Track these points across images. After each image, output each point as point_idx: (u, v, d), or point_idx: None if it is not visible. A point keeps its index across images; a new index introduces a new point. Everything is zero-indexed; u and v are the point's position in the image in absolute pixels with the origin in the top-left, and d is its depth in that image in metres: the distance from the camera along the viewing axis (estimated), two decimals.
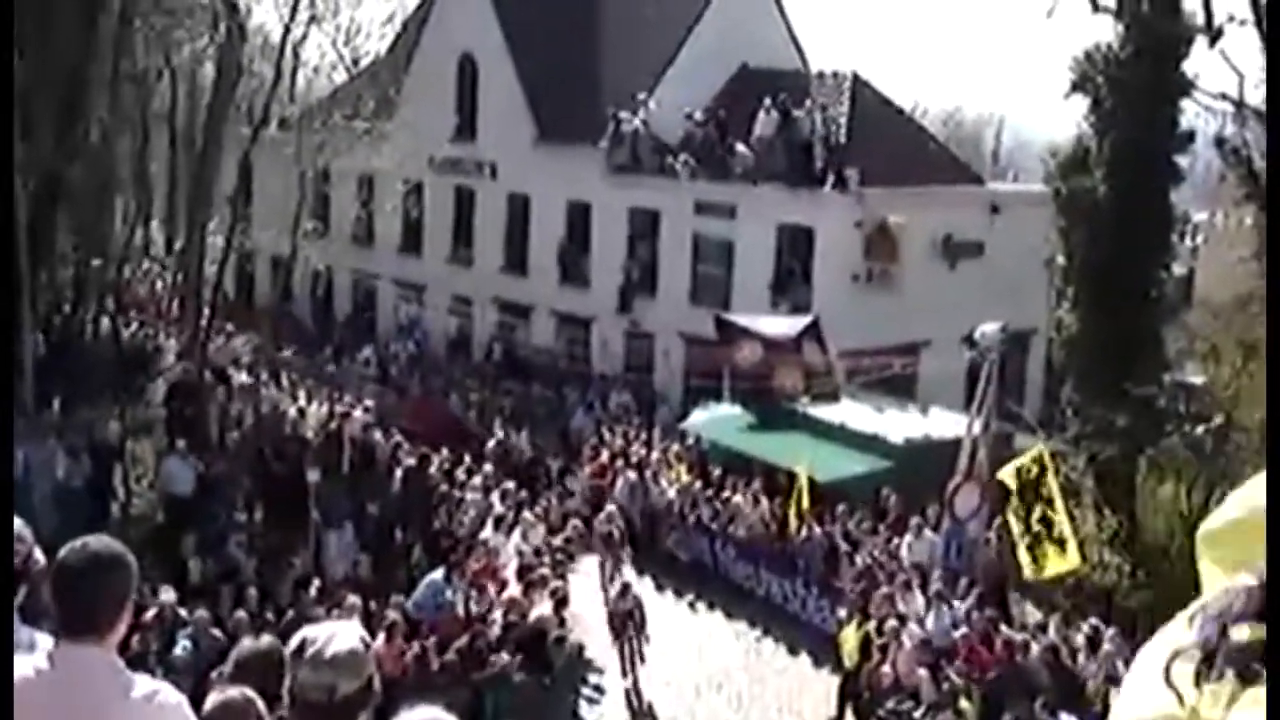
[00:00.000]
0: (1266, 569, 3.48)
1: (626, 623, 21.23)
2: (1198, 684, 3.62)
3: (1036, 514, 19.84)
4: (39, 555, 4.45)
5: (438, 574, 20.11)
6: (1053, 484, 19.81)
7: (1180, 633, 4.13)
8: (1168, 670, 3.66)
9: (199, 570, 20.96)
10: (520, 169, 39.32)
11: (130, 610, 4.15)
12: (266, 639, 5.86)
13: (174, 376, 29.40)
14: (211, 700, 4.83)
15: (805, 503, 23.52)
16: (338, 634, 3.90)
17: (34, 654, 4.05)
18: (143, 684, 4.05)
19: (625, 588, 21.81)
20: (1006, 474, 20.43)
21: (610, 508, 24.67)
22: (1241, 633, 3.61)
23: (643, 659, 21.18)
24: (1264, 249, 25.30)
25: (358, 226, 44.49)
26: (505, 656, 17.74)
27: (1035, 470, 19.90)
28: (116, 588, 4.04)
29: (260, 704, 4.45)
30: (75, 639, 3.95)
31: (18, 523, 4.54)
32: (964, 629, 19.47)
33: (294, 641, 3.91)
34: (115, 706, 3.96)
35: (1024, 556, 20.14)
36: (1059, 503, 19.78)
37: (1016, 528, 20.22)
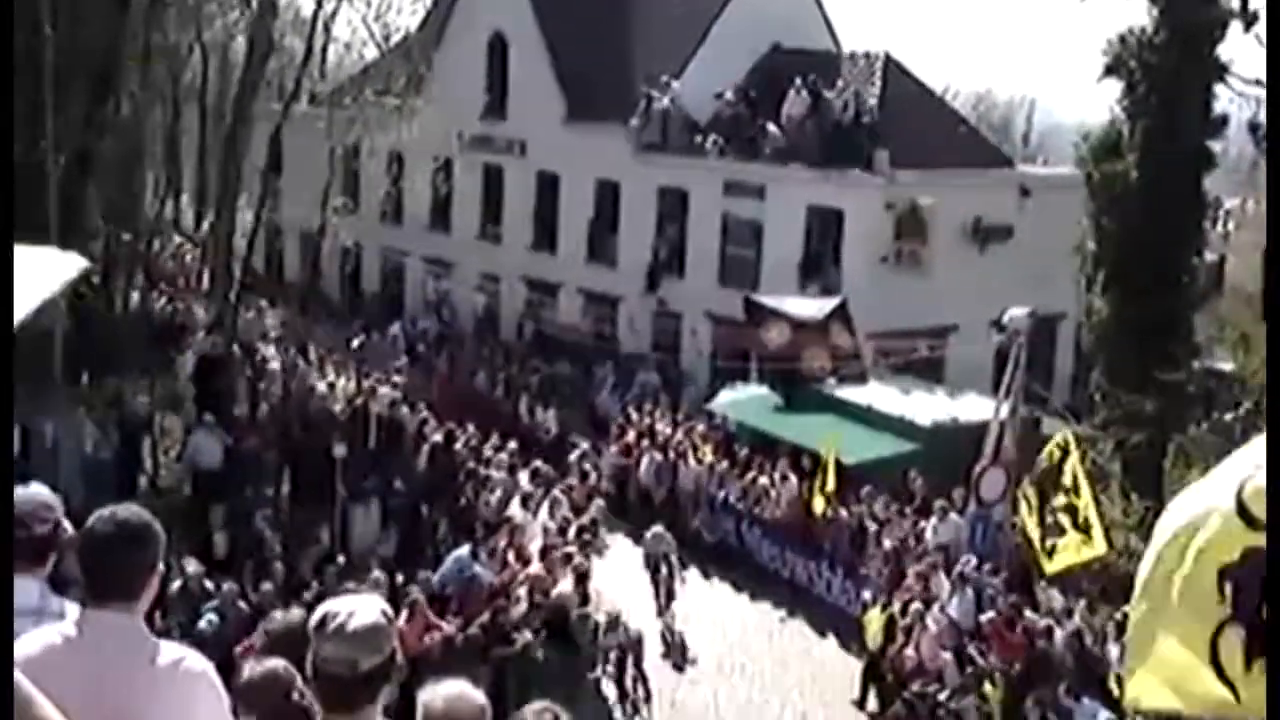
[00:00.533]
0: (1267, 569, 3.52)
1: (660, 565, 22.49)
2: (1248, 666, 3.67)
3: (1058, 502, 19.62)
4: (67, 525, 4.48)
5: (464, 550, 20.17)
6: (1078, 469, 19.61)
7: (1209, 591, 4.10)
8: (1214, 645, 3.71)
9: (225, 543, 21.08)
10: (549, 147, 39.27)
11: (157, 579, 4.18)
12: (297, 612, 5.87)
13: (203, 350, 29.52)
14: (250, 668, 4.84)
15: (831, 484, 23.50)
16: (359, 608, 3.91)
17: (62, 621, 4.08)
18: (169, 650, 4.08)
19: (657, 536, 22.94)
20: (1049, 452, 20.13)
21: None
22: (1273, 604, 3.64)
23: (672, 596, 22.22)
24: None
25: (387, 203, 44.50)
26: (528, 633, 17.76)
27: (1058, 455, 19.71)
28: (144, 556, 4.08)
29: (298, 676, 4.48)
30: (102, 606, 4.00)
31: (46, 493, 4.58)
32: (989, 613, 19.43)
33: (316, 615, 3.92)
34: (142, 673, 3.98)
35: (1039, 551, 19.91)
36: (1085, 488, 19.60)
37: (1030, 521, 20.00)
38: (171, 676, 4.02)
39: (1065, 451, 19.68)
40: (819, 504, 23.83)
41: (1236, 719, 3.65)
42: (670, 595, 23.01)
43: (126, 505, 4.17)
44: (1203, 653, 3.74)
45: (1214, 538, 3.76)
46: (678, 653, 21.35)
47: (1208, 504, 3.85)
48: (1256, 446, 3.90)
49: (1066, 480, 19.49)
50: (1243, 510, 3.70)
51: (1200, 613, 3.73)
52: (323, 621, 3.87)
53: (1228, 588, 3.70)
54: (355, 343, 34.71)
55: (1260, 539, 3.71)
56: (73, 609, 4.23)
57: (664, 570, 23.21)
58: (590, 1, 39.24)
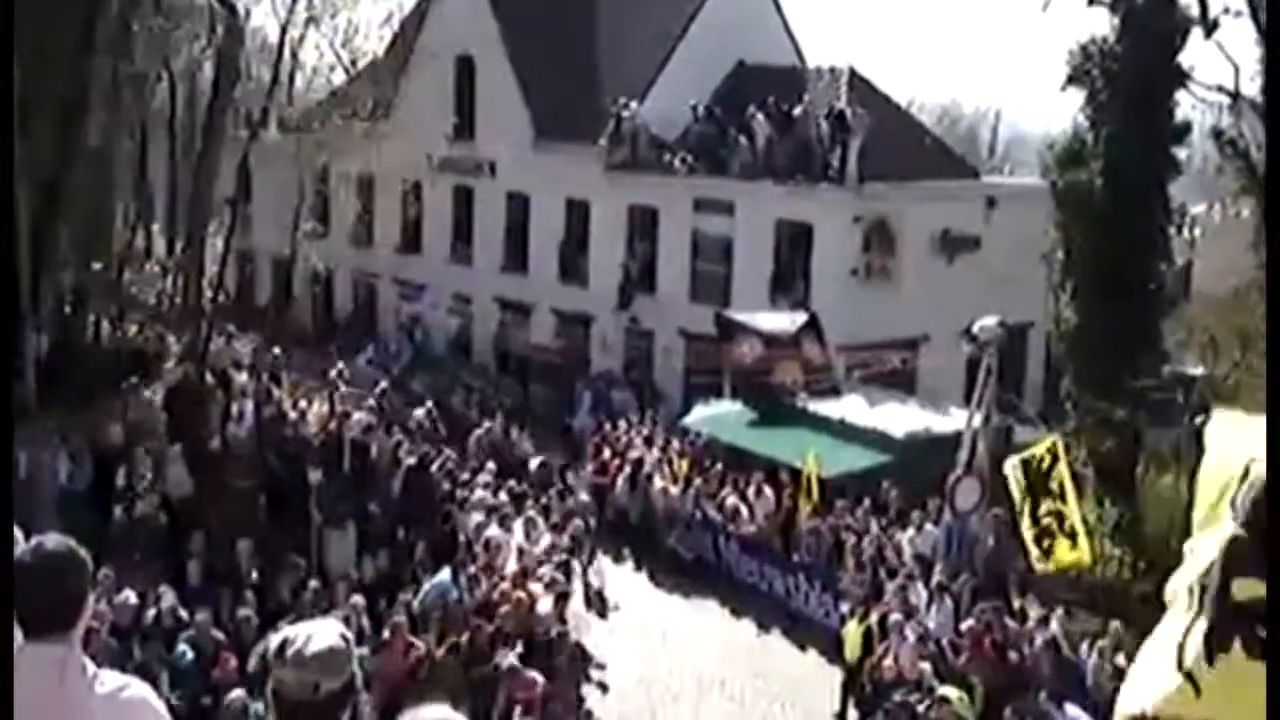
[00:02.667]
0: (1267, 569, 3.48)
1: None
2: (1211, 660, 3.63)
3: (1045, 508, 19.74)
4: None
5: (444, 574, 20.18)
6: (1065, 475, 19.71)
7: (1181, 609, 4.03)
8: (1181, 649, 3.66)
9: (200, 571, 21.03)
10: (519, 168, 39.37)
11: (91, 604, 4.18)
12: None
13: (175, 378, 29.43)
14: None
15: (814, 496, 23.62)
16: (318, 632, 3.91)
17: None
18: (110, 679, 4.08)
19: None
20: (1013, 466, 20.30)
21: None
22: (1243, 590, 3.62)
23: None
24: (1261, 241, 25.34)
25: (357, 226, 44.56)
26: (508, 653, 17.78)
27: (1048, 460, 19.81)
28: (74, 584, 4.08)
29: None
30: (39, 638, 3.98)
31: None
32: (966, 622, 19.52)
33: (274, 641, 3.93)
34: (82, 703, 3.98)
35: (1033, 548, 20.04)
36: (1071, 495, 19.70)
37: (1024, 521, 20.12)
38: (113, 704, 4.02)
39: (1055, 457, 19.76)
40: (804, 514, 23.92)
41: None
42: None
43: (52, 535, 4.16)
44: (1172, 655, 3.71)
45: (1209, 542, 3.76)
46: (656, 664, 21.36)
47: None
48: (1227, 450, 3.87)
49: (1054, 486, 19.60)
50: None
51: (1177, 613, 3.75)
52: (282, 646, 3.88)
53: (1196, 587, 3.71)
54: (334, 372, 34.59)
55: (1226, 528, 3.69)
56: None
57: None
58: (556, 22, 39.37)
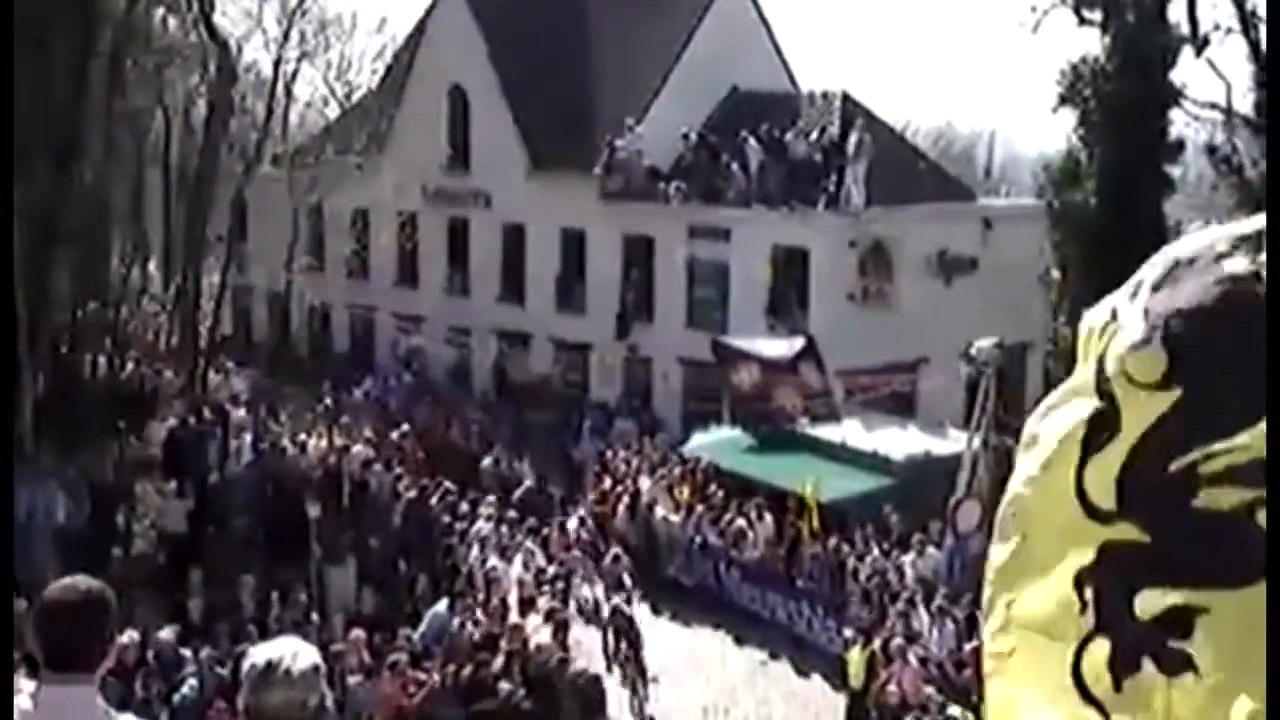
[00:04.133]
0: (1267, 569, 3.28)
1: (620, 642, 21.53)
2: (1118, 686, 3.30)
3: None
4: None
5: (442, 606, 20.10)
6: None
7: (1059, 594, 3.66)
8: (1077, 670, 3.33)
9: (200, 609, 20.95)
10: (514, 198, 39.38)
11: (114, 648, 4.16)
12: None
13: (173, 415, 29.43)
14: None
15: (815, 522, 23.53)
16: (299, 650, 3.91)
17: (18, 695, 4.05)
18: None
19: (614, 610, 22.02)
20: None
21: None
22: (1150, 603, 3.28)
23: (644, 680, 21.31)
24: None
25: (353, 260, 44.55)
26: (509, 685, 17.69)
27: None
28: (101, 626, 4.05)
29: None
30: (61, 679, 3.95)
31: None
32: (970, 644, 19.42)
33: (257, 663, 3.90)
34: None
35: None
36: None
37: None
38: None
39: None
40: (805, 540, 23.84)
41: None
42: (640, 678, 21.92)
43: (83, 576, 4.13)
44: (1063, 675, 3.34)
45: (1056, 543, 3.42)
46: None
47: (1042, 509, 3.50)
48: (1056, 424, 3.60)
49: None
50: (1086, 503, 3.39)
51: (1058, 629, 3.41)
52: (268, 668, 3.85)
53: (1088, 594, 3.38)
54: (328, 406, 34.53)
55: (1115, 531, 3.37)
56: (24, 684, 4.18)
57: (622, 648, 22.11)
58: (548, 52, 39.43)
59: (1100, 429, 3.41)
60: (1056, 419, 3.56)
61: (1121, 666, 3.33)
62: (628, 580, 23.01)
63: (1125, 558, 3.46)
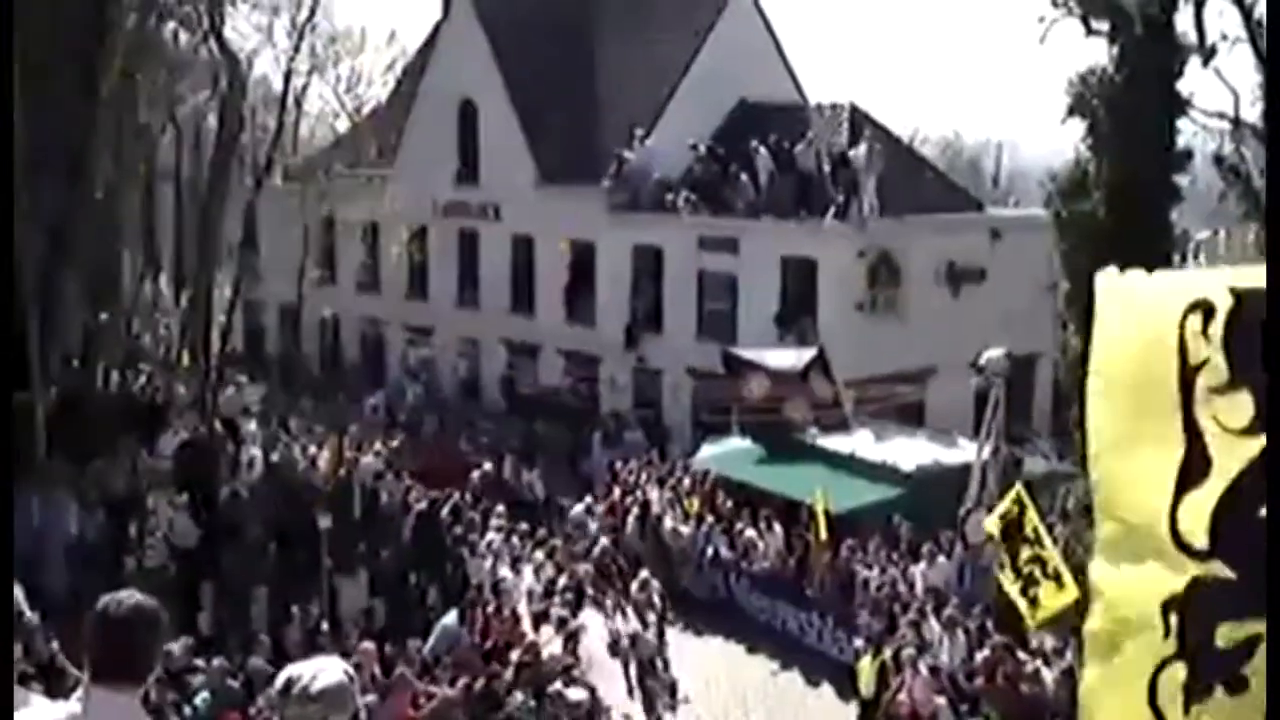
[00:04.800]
0: (1267, 570, 3.39)
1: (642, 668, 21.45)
2: (1188, 709, 3.47)
3: (1024, 555, 19.45)
4: (25, 609, 4.53)
5: (451, 618, 20.13)
6: (1035, 520, 19.40)
7: (1147, 625, 3.87)
8: (1153, 689, 3.50)
9: (212, 621, 21.01)
10: (523, 210, 39.50)
11: (159, 662, 4.29)
12: None
13: (184, 428, 29.51)
14: None
15: (824, 531, 23.54)
16: (323, 669, 3.95)
17: (66, 701, 4.14)
18: None
19: (634, 637, 21.86)
20: (991, 525, 19.94)
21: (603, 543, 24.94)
22: (1230, 634, 3.48)
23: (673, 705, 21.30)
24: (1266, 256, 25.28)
25: (363, 273, 44.70)
26: (520, 697, 17.72)
27: (1015, 511, 19.51)
28: (153, 640, 4.18)
29: None
30: (107, 686, 4.05)
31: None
32: (981, 655, 19.42)
33: (280, 680, 3.97)
34: None
35: (1022, 604, 19.72)
36: (1045, 538, 19.39)
37: (1008, 578, 19.79)
38: None
39: (1021, 505, 19.47)
40: (815, 551, 23.86)
41: None
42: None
43: (135, 591, 4.26)
44: (1140, 694, 3.52)
45: (1152, 573, 3.61)
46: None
47: (1133, 545, 3.66)
48: (1138, 464, 3.74)
49: (1029, 532, 19.31)
50: (1179, 538, 3.56)
51: (1140, 650, 3.57)
52: (288, 685, 3.91)
53: (1172, 620, 3.57)
54: (338, 414, 34.60)
55: (1204, 568, 3.56)
56: (36, 699, 4.26)
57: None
58: (558, 65, 39.57)
59: (1192, 470, 3.57)
60: (1134, 439, 3.75)
61: (1196, 690, 3.49)
62: (658, 602, 22.91)
63: (1213, 593, 3.66)
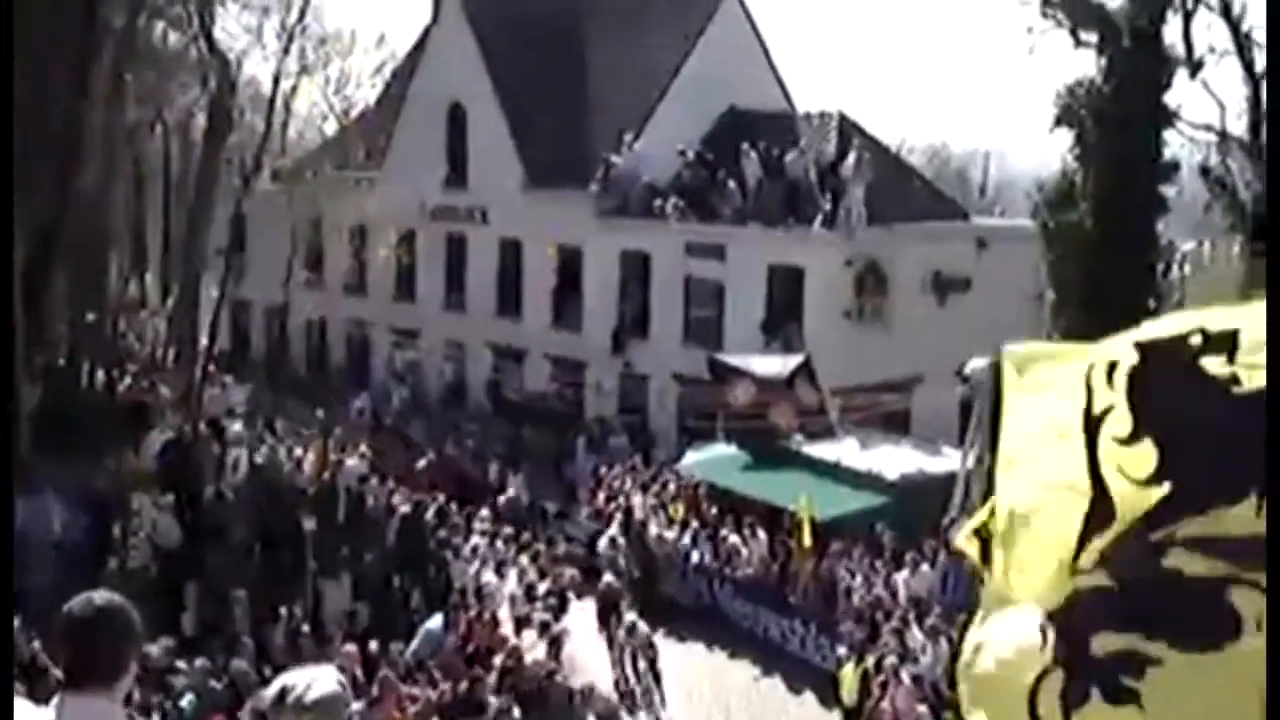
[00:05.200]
0: (1267, 571, 3.40)
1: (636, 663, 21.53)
2: (1066, 715, 3.49)
3: None
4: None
5: (435, 622, 20.12)
6: None
7: (1026, 636, 3.89)
8: (1033, 700, 3.52)
9: (195, 622, 20.96)
10: (511, 214, 39.48)
11: (135, 663, 4.21)
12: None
13: (169, 428, 29.46)
14: None
15: (807, 539, 23.56)
16: (317, 678, 3.95)
17: (43, 708, 4.09)
18: None
19: (632, 625, 22.05)
20: (966, 537, 19.93)
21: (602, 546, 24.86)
22: (1106, 643, 3.48)
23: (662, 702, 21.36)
24: (1249, 277, 25.45)
25: (350, 275, 44.64)
26: (503, 701, 17.72)
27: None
28: (123, 640, 4.10)
29: None
30: (81, 691, 4.00)
31: None
32: None
33: (273, 689, 3.96)
34: None
35: None
36: None
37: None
38: None
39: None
40: (798, 558, 23.87)
41: None
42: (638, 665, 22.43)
43: (102, 590, 4.20)
44: (1020, 709, 3.53)
45: (1034, 589, 3.65)
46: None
47: (1026, 564, 3.74)
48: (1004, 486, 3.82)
49: None
50: (1073, 567, 3.61)
51: (1018, 666, 3.59)
52: (282, 694, 3.90)
53: (1050, 633, 3.58)
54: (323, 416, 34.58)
55: (1086, 579, 3.57)
56: (21, 704, 4.23)
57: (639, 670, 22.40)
58: (547, 69, 39.56)
59: (1096, 519, 3.63)
60: (1047, 480, 3.80)
61: (1073, 696, 3.50)
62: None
63: (1091, 601, 3.67)
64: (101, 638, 4.04)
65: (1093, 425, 3.75)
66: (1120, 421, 3.68)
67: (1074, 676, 3.57)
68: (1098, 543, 3.59)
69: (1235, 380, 3.60)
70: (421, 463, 30.56)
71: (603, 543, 25.99)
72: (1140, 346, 3.77)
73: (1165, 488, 3.50)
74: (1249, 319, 3.59)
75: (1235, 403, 3.49)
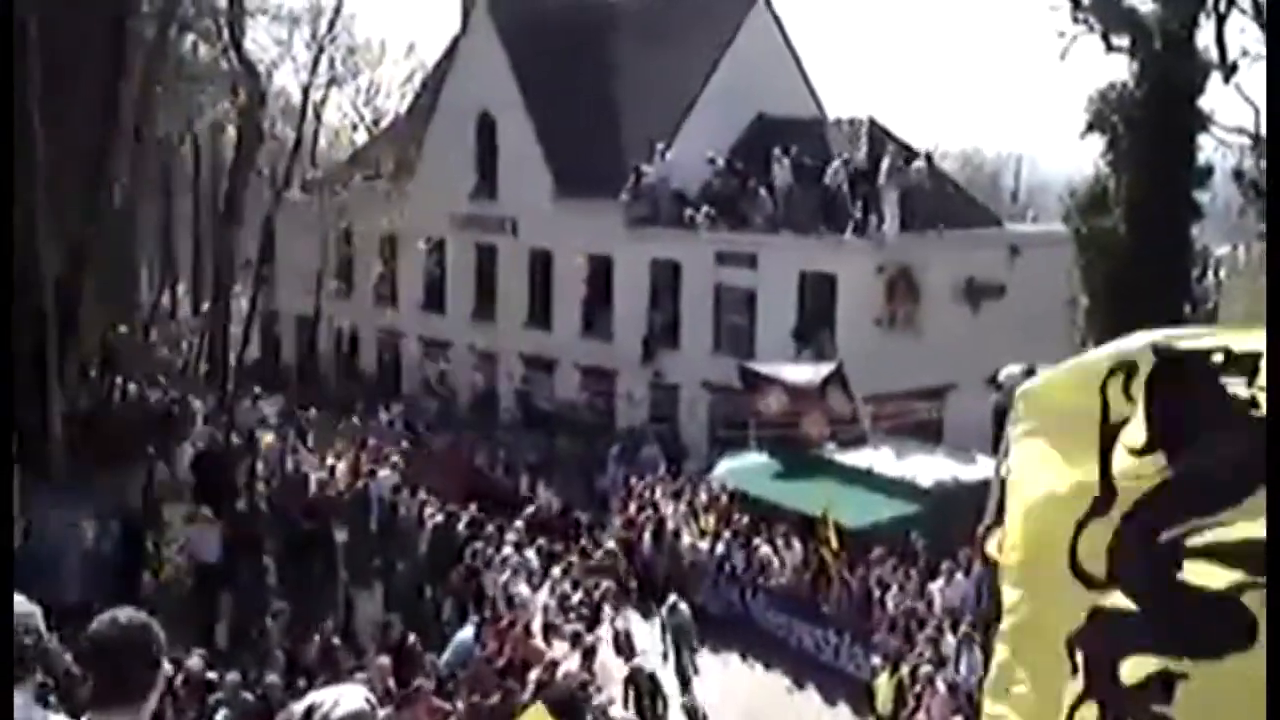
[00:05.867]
0: (1266, 572, 3.35)
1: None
2: None
3: None
4: (45, 634, 4.36)
5: (467, 632, 20.08)
6: None
7: (1052, 663, 3.81)
8: None
9: (228, 634, 20.98)
10: (541, 224, 39.49)
11: (161, 681, 4.16)
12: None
13: (201, 439, 29.54)
14: None
15: (835, 543, 23.41)
16: (344, 696, 3.93)
17: None
18: None
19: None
20: (996, 545, 19.74)
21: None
22: (1134, 670, 3.40)
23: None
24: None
25: (381, 285, 44.75)
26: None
27: None
28: (145, 659, 4.05)
29: None
30: (106, 711, 3.97)
31: (24, 603, 4.47)
32: None
33: (300, 707, 3.94)
34: None
35: None
36: None
37: None
38: None
39: None
40: (818, 564, 23.77)
41: None
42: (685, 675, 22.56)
43: (125, 608, 4.15)
44: None
45: (1051, 608, 3.61)
46: None
47: (1036, 574, 3.69)
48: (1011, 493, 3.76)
49: None
50: (1077, 569, 3.56)
51: (1051, 691, 3.53)
52: (309, 712, 3.88)
53: (1078, 657, 3.52)
54: (355, 427, 34.62)
55: (1105, 598, 3.52)
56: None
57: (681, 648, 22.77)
58: (576, 79, 39.59)
59: (1097, 507, 3.59)
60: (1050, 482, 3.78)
61: None
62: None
63: (1113, 625, 3.62)
64: (126, 658, 4.00)
65: (1108, 435, 3.70)
66: (1136, 432, 3.63)
67: (1106, 709, 3.51)
68: (1096, 527, 3.53)
69: (1254, 403, 3.57)
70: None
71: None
72: (1160, 355, 3.70)
73: (1168, 473, 3.47)
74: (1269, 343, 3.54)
75: (1253, 425, 3.46)
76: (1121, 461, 3.63)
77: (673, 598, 23.10)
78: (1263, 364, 3.62)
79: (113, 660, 3.99)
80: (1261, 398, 3.63)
